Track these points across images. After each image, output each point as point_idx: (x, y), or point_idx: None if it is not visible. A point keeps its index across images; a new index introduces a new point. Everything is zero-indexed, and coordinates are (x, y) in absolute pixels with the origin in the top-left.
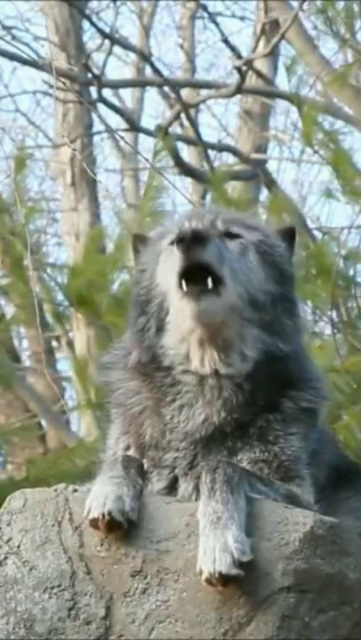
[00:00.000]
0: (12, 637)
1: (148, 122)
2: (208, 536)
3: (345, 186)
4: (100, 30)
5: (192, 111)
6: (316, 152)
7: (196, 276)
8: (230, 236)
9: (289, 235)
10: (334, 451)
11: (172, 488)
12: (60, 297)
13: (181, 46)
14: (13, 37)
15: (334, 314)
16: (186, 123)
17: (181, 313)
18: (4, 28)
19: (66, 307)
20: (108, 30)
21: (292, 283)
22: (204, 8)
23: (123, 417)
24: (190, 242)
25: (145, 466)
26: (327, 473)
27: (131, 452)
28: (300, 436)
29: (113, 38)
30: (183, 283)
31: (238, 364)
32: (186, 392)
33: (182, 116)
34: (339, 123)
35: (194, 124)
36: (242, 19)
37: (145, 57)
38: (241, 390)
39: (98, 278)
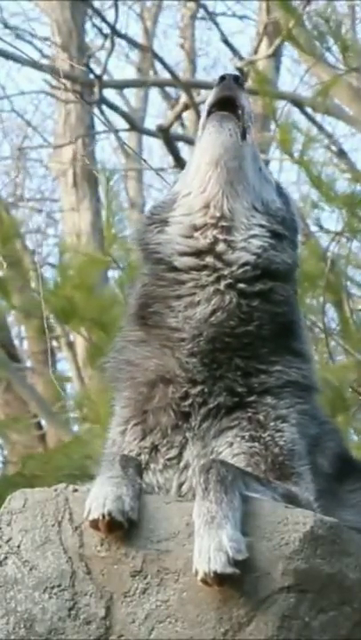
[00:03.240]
0: (12, 637)
1: (151, 122)
2: (203, 536)
3: (325, 194)
4: (104, 20)
5: (193, 111)
6: (297, 162)
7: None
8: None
9: None
10: (338, 440)
11: (180, 453)
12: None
13: (182, 46)
14: (17, 36)
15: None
16: (187, 123)
17: (204, 143)
18: (7, 27)
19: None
20: (111, 27)
21: (297, 233)
22: (205, 8)
23: (128, 375)
24: (231, 78)
25: (150, 440)
26: (332, 461)
27: (130, 428)
28: (292, 420)
29: (117, 32)
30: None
31: (239, 249)
32: (184, 283)
33: (183, 115)
34: (328, 126)
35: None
36: (240, 18)
37: (154, 54)
38: (237, 293)
39: (75, 295)
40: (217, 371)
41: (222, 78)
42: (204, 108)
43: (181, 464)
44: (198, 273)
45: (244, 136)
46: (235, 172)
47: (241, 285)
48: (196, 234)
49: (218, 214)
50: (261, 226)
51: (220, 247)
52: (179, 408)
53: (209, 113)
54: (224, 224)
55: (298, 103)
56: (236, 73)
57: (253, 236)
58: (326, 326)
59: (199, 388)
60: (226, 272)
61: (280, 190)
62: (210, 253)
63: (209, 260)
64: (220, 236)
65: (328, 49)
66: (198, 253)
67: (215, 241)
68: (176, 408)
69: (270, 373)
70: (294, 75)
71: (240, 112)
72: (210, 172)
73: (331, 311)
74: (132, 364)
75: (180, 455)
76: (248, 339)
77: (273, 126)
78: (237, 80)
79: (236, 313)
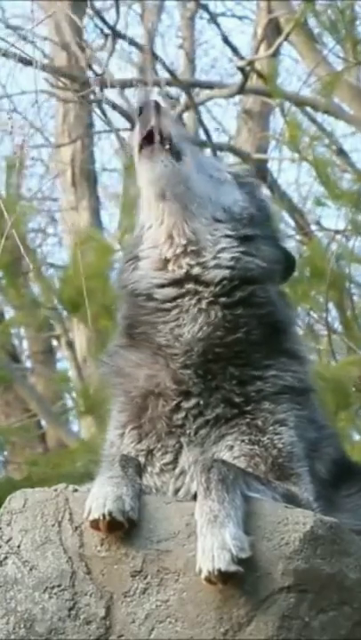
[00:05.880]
0: (12, 637)
1: None
2: (205, 535)
3: (330, 191)
4: (104, 20)
5: (193, 111)
6: (305, 159)
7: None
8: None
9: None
10: (336, 445)
11: (175, 459)
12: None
13: (181, 47)
14: (16, 37)
15: (330, 316)
16: (186, 122)
17: (144, 180)
18: (8, 27)
19: (60, 309)
20: (111, 27)
21: (270, 220)
22: (205, 8)
23: (121, 388)
24: (150, 107)
25: (146, 444)
26: (329, 467)
27: (128, 432)
28: (290, 423)
29: (117, 32)
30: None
31: (212, 268)
32: (168, 311)
33: (184, 115)
34: (329, 126)
35: (201, 123)
36: (240, 18)
37: (155, 55)
38: (220, 306)
39: (87, 283)
40: (212, 382)
41: (140, 109)
42: (132, 147)
43: (177, 470)
44: (181, 300)
45: (179, 157)
46: (184, 196)
47: (222, 299)
48: (170, 266)
49: (184, 242)
50: (227, 236)
51: (196, 271)
52: (171, 421)
53: (140, 149)
54: (193, 248)
55: (299, 103)
56: (153, 99)
57: (222, 250)
58: (329, 323)
59: (194, 400)
60: (206, 293)
61: (241, 181)
62: (188, 280)
63: (189, 286)
64: (193, 262)
65: (340, 41)
66: (176, 282)
67: (190, 267)
68: (168, 421)
69: (265, 379)
70: (293, 75)
71: (167, 140)
72: (161, 204)
73: (333, 309)
74: (123, 375)
75: (175, 461)
76: (239, 346)
77: (272, 125)
78: (157, 106)
79: (221, 324)
